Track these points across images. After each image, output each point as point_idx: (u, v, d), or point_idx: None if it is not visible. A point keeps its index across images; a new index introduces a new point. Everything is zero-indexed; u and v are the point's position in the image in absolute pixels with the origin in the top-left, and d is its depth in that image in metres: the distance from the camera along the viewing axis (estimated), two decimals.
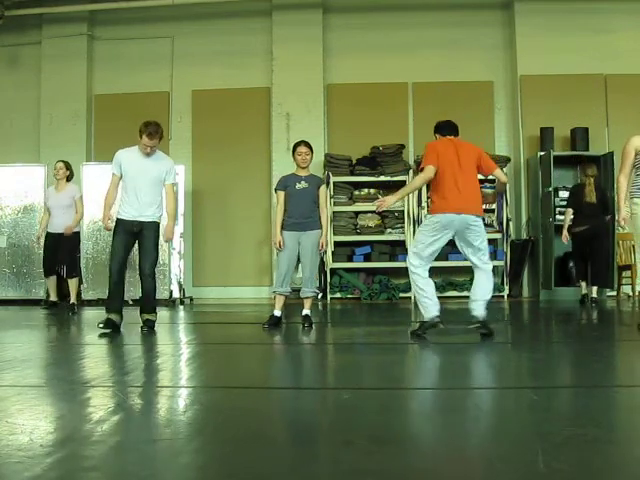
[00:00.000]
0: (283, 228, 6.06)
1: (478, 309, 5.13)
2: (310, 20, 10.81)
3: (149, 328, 5.84)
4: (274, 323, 6.02)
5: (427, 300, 5.22)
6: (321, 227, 6.09)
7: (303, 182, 6.07)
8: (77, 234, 8.39)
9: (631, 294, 9.58)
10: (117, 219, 5.98)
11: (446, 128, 5.51)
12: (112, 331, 5.74)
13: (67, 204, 8.19)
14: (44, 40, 11.06)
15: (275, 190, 6.27)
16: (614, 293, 9.65)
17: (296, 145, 6.23)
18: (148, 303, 6.00)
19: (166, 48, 11.11)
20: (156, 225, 6.02)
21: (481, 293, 5.19)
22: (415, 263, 5.27)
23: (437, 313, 5.19)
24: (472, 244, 5.19)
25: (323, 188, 6.19)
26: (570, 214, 8.74)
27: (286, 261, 6.03)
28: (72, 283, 8.28)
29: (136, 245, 6.06)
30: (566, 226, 8.76)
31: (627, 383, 3.57)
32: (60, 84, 10.88)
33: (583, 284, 8.93)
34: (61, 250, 8.19)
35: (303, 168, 6.13)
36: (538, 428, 2.47)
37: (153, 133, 5.75)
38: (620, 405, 3.02)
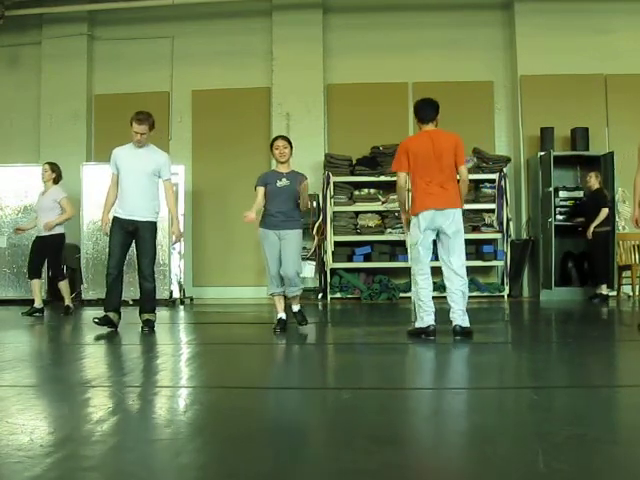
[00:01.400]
0: (262, 226, 5.86)
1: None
2: (310, 20, 10.81)
3: (149, 328, 5.81)
4: (283, 327, 5.81)
5: (422, 307, 5.22)
6: (301, 227, 5.95)
7: (284, 179, 5.83)
8: (61, 236, 8.02)
9: (631, 294, 9.59)
10: (113, 217, 5.89)
11: (425, 117, 5.33)
12: (108, 327, 5.75)
13: (48, 207, 7.88)
14: (44, 40, 11.07)
15: (255, 187, 5.93)
16: (614, 293, 9.65)
17: (273, 140, 6.02)
18: (147, 303, 5.94)
19: (166, 48, 11.11)
20: (152, 225, 5.91)
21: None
22: (415, 268, 5.33)
23: (432, 323, 5.17)
24: (449, 238, 5.17)
25: (305, 183, 5.83)
26: (605, 213, 9.19)
27: (272, 260, 5.81)
28: (62, 286, 8.07)
29: (134, 244, 5.97)
30: (596, 224, 9.17)
31: (627, 383, 3.57)
32: (60, 84, 10.88)
33: (604, 285, 9.15)
34: (46, 253, 8.00)
35: (283, 163, 5.90)
36: (538, 428, 2.47)
37: (142, 119, 5.68)
38: (620, 405, 3.02)
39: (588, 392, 3.22)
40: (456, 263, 5.18)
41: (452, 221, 5.15)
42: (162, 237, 9.56)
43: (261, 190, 5.87)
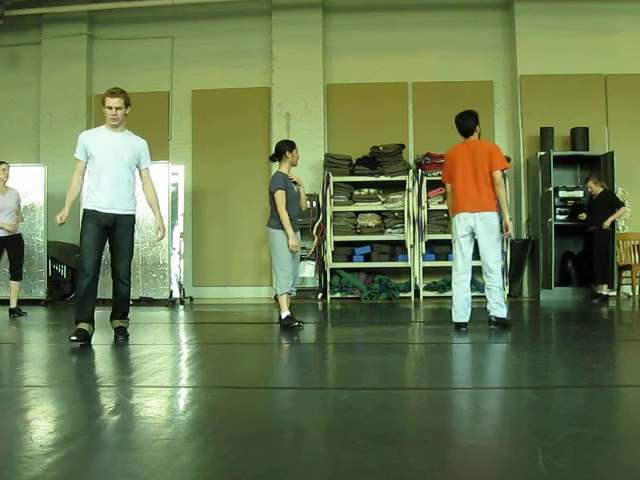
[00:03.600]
0: (282, 229, 5.95)
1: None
2: (310, 20, 10.81)
3: (124, 337, 5.25)
4: (292, 322, 5.90)
5: (454, 304, 5.67)
6: None
7: (294, 185, 6.06)
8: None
9: (631, 294, 9.60)
10: (85, 210, 5.09)
11: (463, 132, 5.76)
12: (82, 342, 4.91)
13: (13, 207, 8.06)
14: (44, 40, 11.07)
15: (277, 189, 5.91)
16: (614, 293, 9.65)
17: (294, 143, 6.15)
18: (122, 308, 5.33)
19: (166, 48, 11.11)
20: (132, 219, 5.22)
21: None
22: (453, 266, 5.74)
23: (457, 321, 5.62)
24: (481, 238, 5.58)
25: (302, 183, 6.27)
26: (624, 211, 9.36)
27: (292, 261, 5.99)
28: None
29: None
30: (614, 218, 9.25)
31: (627, 383, 3.58)
32: (60, 84, 10.89)
33: (604, 285, 9.12)
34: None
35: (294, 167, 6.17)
36: (538, 428, 2.47)
37: (116, 92, 5.07)
38: (620, 405, 3.02)
39: (588, 392, 3.22)
40: (489, 260, 5.57)
41: (484, 222, 5.55)
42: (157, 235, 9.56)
43: (285, 193, 5.92)
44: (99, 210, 5.04)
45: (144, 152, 5.22)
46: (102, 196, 5.04)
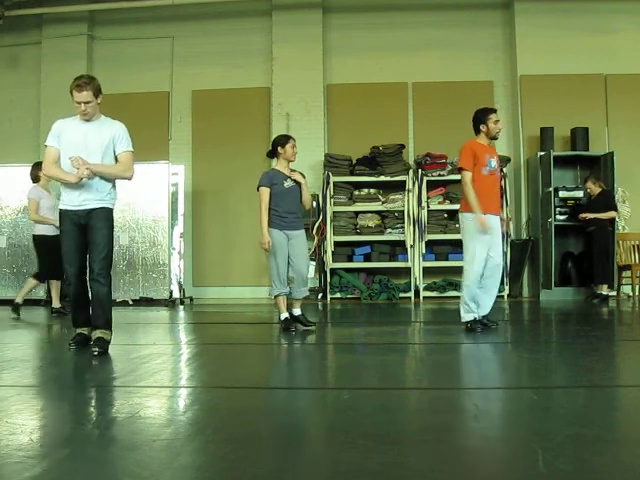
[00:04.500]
0: (272, 227, 5.80)
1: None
2: (310, 20, 10.81)
3: (101, 349, 4.56)
4: (290, 326, 5.85)
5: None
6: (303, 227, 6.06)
7: (289, 180, 5.88)
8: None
9: (631, 294, 9.60)
10: (60, 211, 4.80)
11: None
12: (83, 347, 4.75)
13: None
14: (44, 40, 11.07)
15: (260, 187, 5.85)
16: (614, 293, 9.65)
17: (288, 138, 5.98)
18: (100, 313, 4.72)
19: (166, 48, 11.11)
20: (108, 212, 4.77)
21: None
22: None
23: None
24: None
25: (304, 181, 6.00)
26: (614, 215, 9.33)
27: (282, 260, 5.83)
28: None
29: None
30: (600, 217, 9.22)
31: (627, 383, 3.58)
32: (60, 84, 10.82)
33: (604, 285, 9.12)
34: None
35: (291, 162, 5.98)
36: (538, 428, 2.47)
37: (82, 84, 4.56)
38: (620, 405, 3.02)
39: (588, 392, 3.22)
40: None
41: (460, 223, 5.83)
42: (162, 237, 9.58)
43: (267, 191, 5.80)
44: (71, 208, 4.72)
45: (119, 135, 4.74)
46: (75, 192, 4.70)
